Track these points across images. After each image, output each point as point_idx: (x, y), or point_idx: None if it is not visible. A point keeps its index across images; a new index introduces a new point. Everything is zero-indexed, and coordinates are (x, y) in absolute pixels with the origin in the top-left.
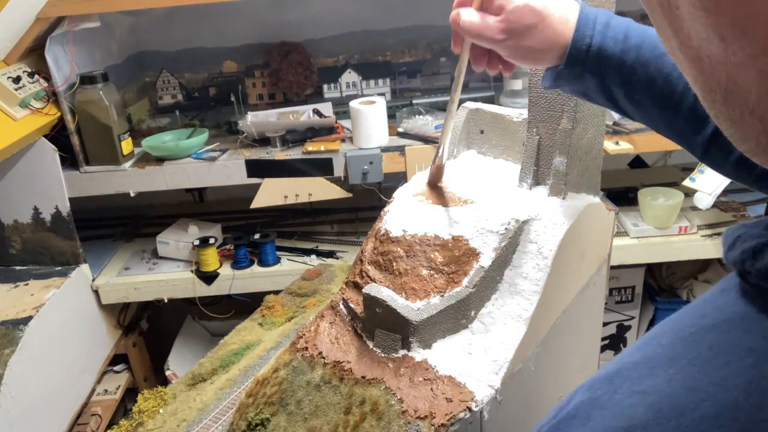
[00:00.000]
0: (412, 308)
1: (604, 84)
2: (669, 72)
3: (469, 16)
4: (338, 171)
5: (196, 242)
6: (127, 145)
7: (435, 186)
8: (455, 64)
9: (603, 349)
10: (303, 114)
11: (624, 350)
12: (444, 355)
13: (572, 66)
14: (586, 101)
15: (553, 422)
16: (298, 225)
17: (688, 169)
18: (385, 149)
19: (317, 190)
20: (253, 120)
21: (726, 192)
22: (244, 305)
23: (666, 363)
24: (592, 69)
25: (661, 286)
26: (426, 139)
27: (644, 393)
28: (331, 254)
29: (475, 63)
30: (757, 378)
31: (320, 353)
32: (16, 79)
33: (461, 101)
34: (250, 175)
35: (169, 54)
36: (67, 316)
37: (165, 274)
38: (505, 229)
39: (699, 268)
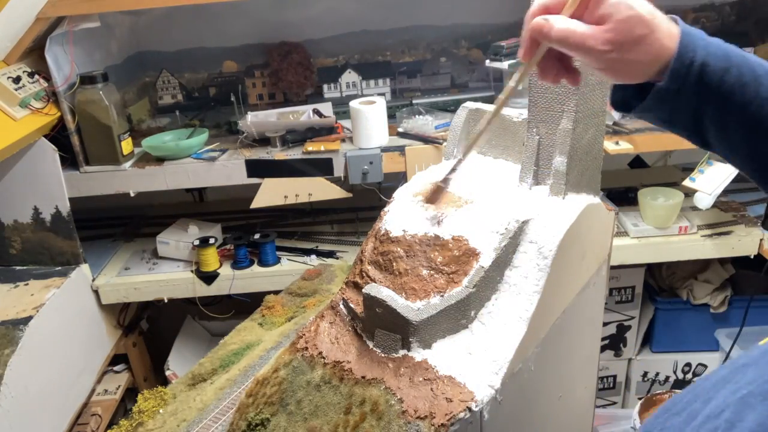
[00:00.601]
0: (412, 308)
1: (697, 103)
2: (766, 97)
3: (565, 23)
4: (338, 171)
5: (196, 242)
6: (127, 145)
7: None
8: (455, 64)
9: (603, 349)
10: (303, 114)
11: (765, 356)
12: (444, 355)
13: (672, 81)
14: (661, 127)
15: None
16: (298, 225)
17: (688, 169)
18: (385, 149)
19: (317, 190)
20: (253, 120)
21: (726, 192)
22: (244, 305)
23: None
24: (690, 86)
25: (661, 286)
26: (426, 139)
27: None
28: (331, 254)
29: (542, 74)
30: None
31: (320, 353)
32: (16, 79)
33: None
34: (250, 175)
35: (169, 54)
36: (67, 316)
37: (165, 274)
38: (505, 229)
39: (699, 268)
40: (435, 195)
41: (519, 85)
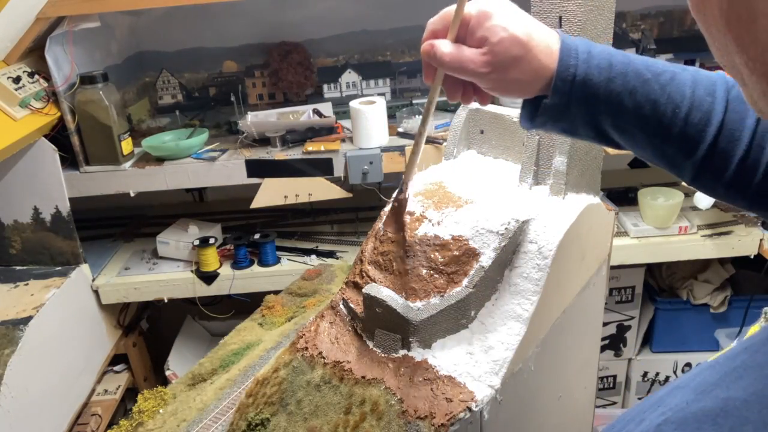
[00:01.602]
0: (412, 308)
1: (591, 114)
2: (656, 98)
3: (446, 47)
4: (338, 171)
5: (196, 242)
6: (127, 145)
7: (398, 221)
8: None
9: (603, 349)
10: (303, 114)
11: (697, 380)
12: (444, 355)
13: (558, 97)
14: (569, 137)
15: None
16: (298, 225)
17: None
18: (385, 149)
19: (317, 190)
20: (253, 120)
21: None
22: (244, 305)
23: None
24: (578, 99)
25: (661, 286)
26: (426, 139)
27: None
28: (331, 254)
29: (450, 94)
30: None
31: (320, 353)
32: (16, 79)
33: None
34: (250, 175)
35: (169, 54)
36: (67, 316)
37: (165, 274)
38: (505, 229)
39: (699, 268)
40: (399, 212)
41: (432, 105)
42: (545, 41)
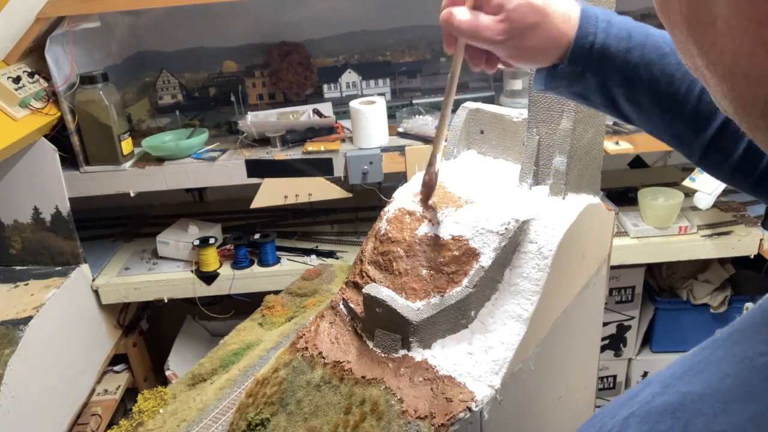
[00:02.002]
0: (412, 308)
1: (605, 84)
2: (672, 73)
3: (463, 15)
4: (338, 171)
5: (196, 242)
6: (127, 145)
7: (427, 202)
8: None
9: (603, 349)
10: (303, 114)
11: (665, 375)
12: (444, 355)
13: (574, 65)
14: (581, 103)
15: None
16: (298, 225)
17: (688, 169)
18: (385, 149)
19: (317, 190)
20: (253, 120)
21: (726, 192)
22: (244, 305)
23: (744, 398)
24: (594, 68)
25: (661, 286)
26: (426, 139)
27: None
28: (331, 254)
29: (472, 63)
30: None
31: (320, 353)
32: (16, 79)
33: (459, 102)
34: (250, 175)
35: (169, 54)
36: (67, 316)
37: (165, 274)
38: (505, 229)
39: (699, 268)
40: (430, 187)
41: (456, 74)
42: (563, 8)
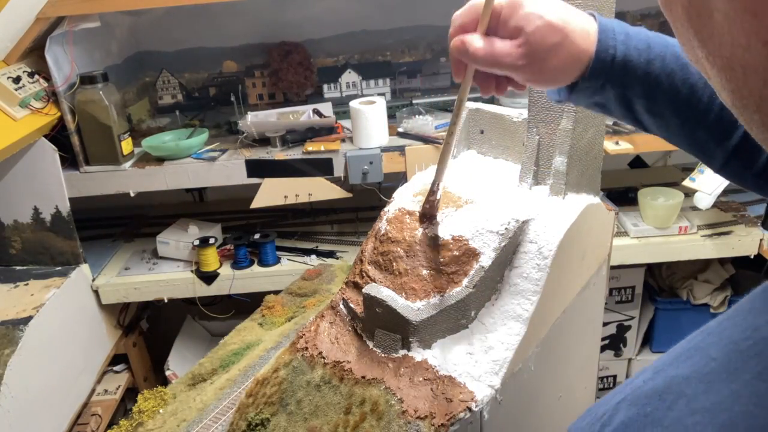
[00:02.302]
0: (412, 308)
1: (626, 96)
2: (694, 82)
3: (478, 42)
4: (338, 171)
5: (196, 242)
6: (127, 145)
7: (428, 218)
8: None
9: (603, 349)
10: (303, 114)
11: (658, 362)
12: (444, 355)
13: (594, 79)
14: (598, 112)
15: None
16: (298, 225)
17: (688, 169)
18: (385, 149)
19: (317, 190)
20: (253, 120)
21: (726, 192)
22: (244, 305)
23: (725, 377)
24: (615, 81)
25: (661, 286)
26: (426, 139)
27: (708, 411)
28: (331, 254)
29: (482, 89)
30: None
31: (320, 353)
32: (16, 79)
33: None
34: (250, 175)
35: (169, 54)
36: (67, 316)
37: (165, 274)
38: (505, 229)
39: (699, 268)
40: (431, 210)
41: (464, 103)
42: (581, 24)
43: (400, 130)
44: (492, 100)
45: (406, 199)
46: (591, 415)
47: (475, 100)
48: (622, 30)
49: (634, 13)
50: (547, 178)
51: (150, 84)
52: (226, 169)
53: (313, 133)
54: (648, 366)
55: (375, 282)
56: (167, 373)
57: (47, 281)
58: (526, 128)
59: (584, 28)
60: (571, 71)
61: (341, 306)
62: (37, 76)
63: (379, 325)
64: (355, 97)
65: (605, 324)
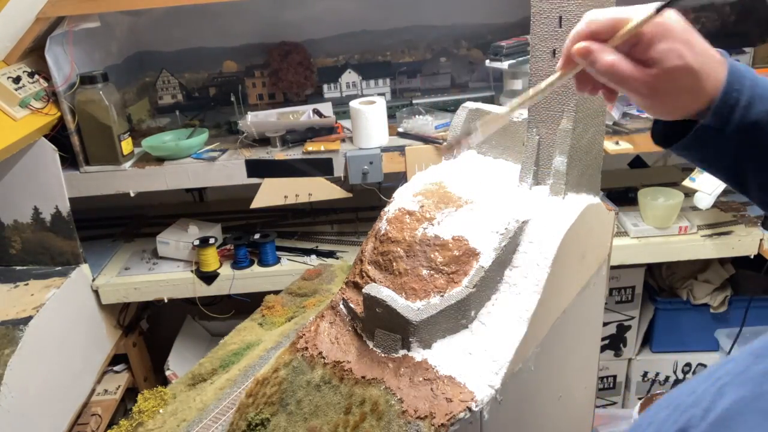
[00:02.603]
0: (412, 308)
1: (741, 146)
2: None
3: (609, 56)
4: (338, 171)
5: (196, 242)
6: (127, 145)
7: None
8: (455, 64)
9: (603, 349)
10: (303, 114)
11: (748, 349)
12: (444, 355)
13: (716, 121)
14: (703, 168)
15: (704, 427)
16: (298, 225)
17: (688, 169)
18: (385, 149)
19: (317, 190)
20: (253, 120)
21: (726, 192)
22: (244, 305)
23: None
24: (734, 128)
25: (661, 286)
26: (426, 139)
27: None
28: (331, 254)
29: (579, 86)
30: None
31: (320, 353)
32: (16, 79)
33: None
34: (250, 175)
35: (169, 54)
36: (67, 316)
37: (165, 274)
38: (505, 229)
39: (699, 268)
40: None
41: (551, 86)
42: (714, 69)
43: (400, 130)
44: (492, 100)
45: (406, 199)
46: (668, 408)
47: (477, 98)
48: (751, 75)
49: None
50: (547, 178)
51: (150, 84)
52: (226, 169)
53: (313, 133)
54: (728, 359)
55: (375, 282)
56: (167, 373)
57: (47, 281)
58: (526, 128)
59: (716, 71)
60: (691, 109)
61: (341, 306)
62: (37, 76)
63: (379, 325)
64: (355, 97)
65: (605, 324)
